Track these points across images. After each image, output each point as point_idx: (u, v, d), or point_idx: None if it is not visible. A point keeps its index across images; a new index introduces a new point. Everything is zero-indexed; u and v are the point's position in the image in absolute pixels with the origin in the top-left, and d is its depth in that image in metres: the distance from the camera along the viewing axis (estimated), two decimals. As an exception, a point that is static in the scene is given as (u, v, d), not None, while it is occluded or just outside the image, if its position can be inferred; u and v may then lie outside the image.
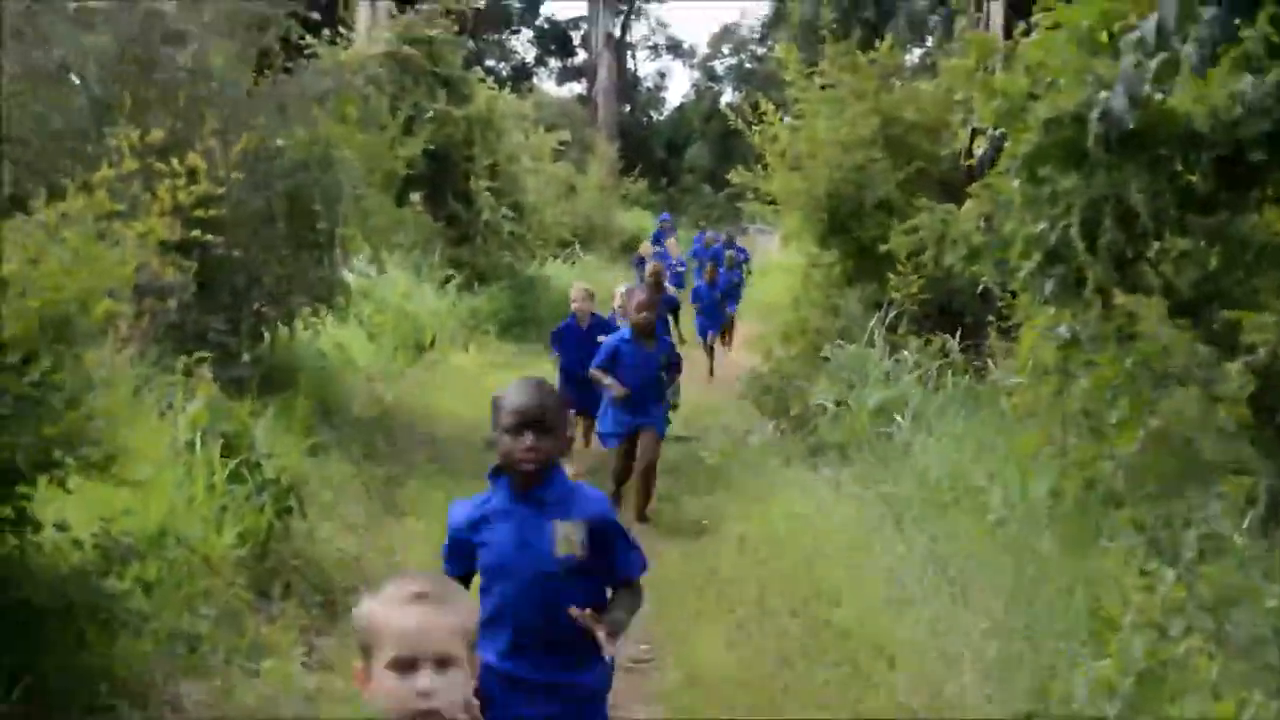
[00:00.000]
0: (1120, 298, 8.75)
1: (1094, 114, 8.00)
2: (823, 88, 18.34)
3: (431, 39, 30.55)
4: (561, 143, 38.45)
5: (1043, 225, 8.91)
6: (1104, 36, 9.03)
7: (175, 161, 10.42)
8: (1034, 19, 9.81)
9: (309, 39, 18.20)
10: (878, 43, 18.45)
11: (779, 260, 32.35)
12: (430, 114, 29.31)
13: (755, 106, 19.65)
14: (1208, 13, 6.55)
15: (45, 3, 14.30)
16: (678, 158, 71.50)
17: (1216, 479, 7.77)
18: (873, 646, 9.43)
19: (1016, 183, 9.14)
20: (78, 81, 14.37)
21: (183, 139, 12.68)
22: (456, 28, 31.46)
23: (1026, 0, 10.17)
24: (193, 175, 10.74)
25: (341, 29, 26.93)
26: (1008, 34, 11.16)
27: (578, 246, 39.92)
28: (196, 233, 10.70)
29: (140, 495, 8.73)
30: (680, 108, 78.19)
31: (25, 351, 7.19)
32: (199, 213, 10.38)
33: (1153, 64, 7.25)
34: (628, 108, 73.75)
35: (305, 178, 15.56)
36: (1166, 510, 7.98)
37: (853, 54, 18.26)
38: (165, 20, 14.78)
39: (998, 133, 10.05)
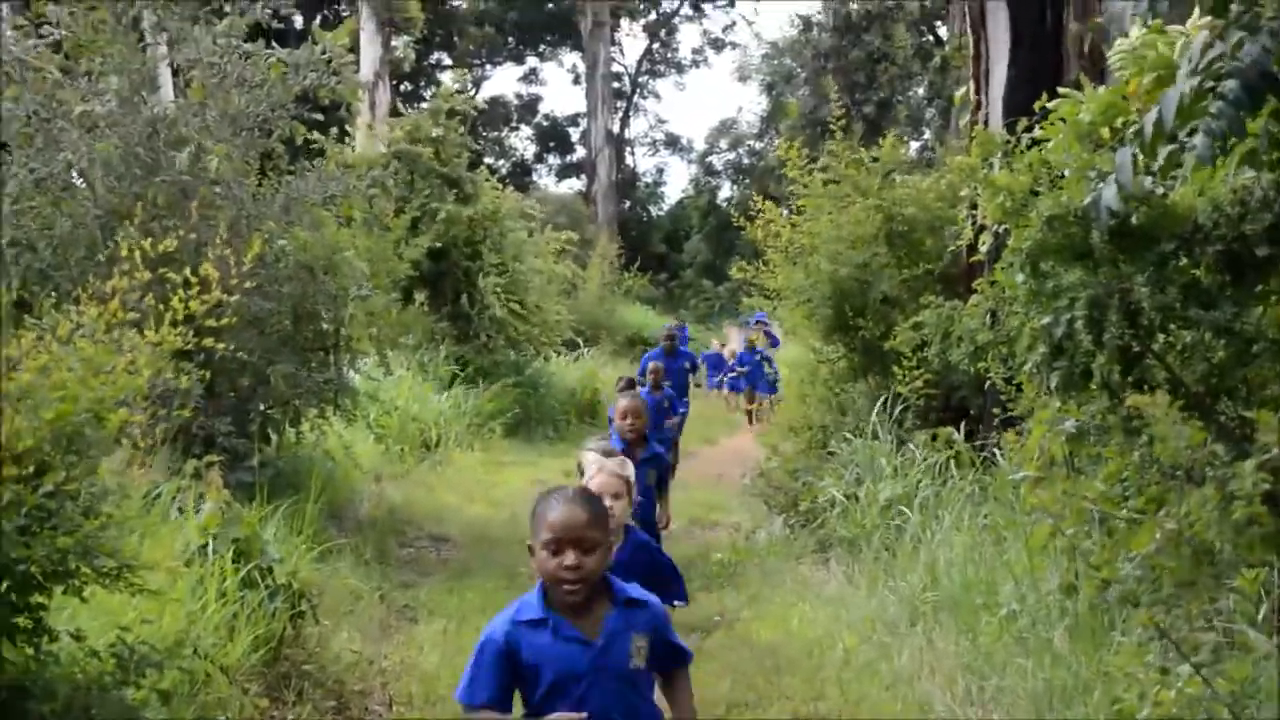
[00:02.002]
0: (1128, 393, 8.77)
1: (1087, 203, 8.07)
2: (825, 184, 18.43)
3: (438, 138, 30.75)
4: (566, 241, 38.62)
5: (1047, 319, 8.94)
6: (1106, 132, 9.12)
7: (187, 271, 10.49)
8: (1036, 113, 9.91)
9: (315, 135, 18.28)
10: (879, 138, 18.56)
11: (781, 354, 32.46)
12: (442, 214, 29.49)
13: (754, 203, 19.77)
14: (1214, 106, 6.61)
15: (51, 109, 14.41)
16: (677, 252, 71.66)
17: (1231, 575, 7.77)
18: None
19: (1020, 278, 9.18)
20: (84, 187, 14.48)
21: (193, 246, 12.76)
22: (461, 127, 31.70)
23: (1025, 97, 10.26)
24: (205, 284, 10.81)
25: (344, 129, 27.09)
26: (1010, 129, 11.23)
27: (581, 343, 39.98)
28: (208, 340, 10.76)
29: (155, 603, 8.74)
30: (679, 203, 78.44)
31: (38, 463, 7.21)
32: (210, 322, 10.43)
33: (1160, 157, 7.33)
34: (627, 203, 74.02)
35: (310, 281, 15.64)
36: (1182, 609, 7.97)
37: (857, 151, 18.36)
38: (169, 124, 14.90)
39: (1001, 228, 10.11)
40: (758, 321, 34.05)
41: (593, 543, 5.58)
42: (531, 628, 5.65)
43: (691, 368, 27.58)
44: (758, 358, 33.46)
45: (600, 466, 8.42)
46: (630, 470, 8.54)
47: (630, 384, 20.25)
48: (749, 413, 34.29)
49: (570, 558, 5.52)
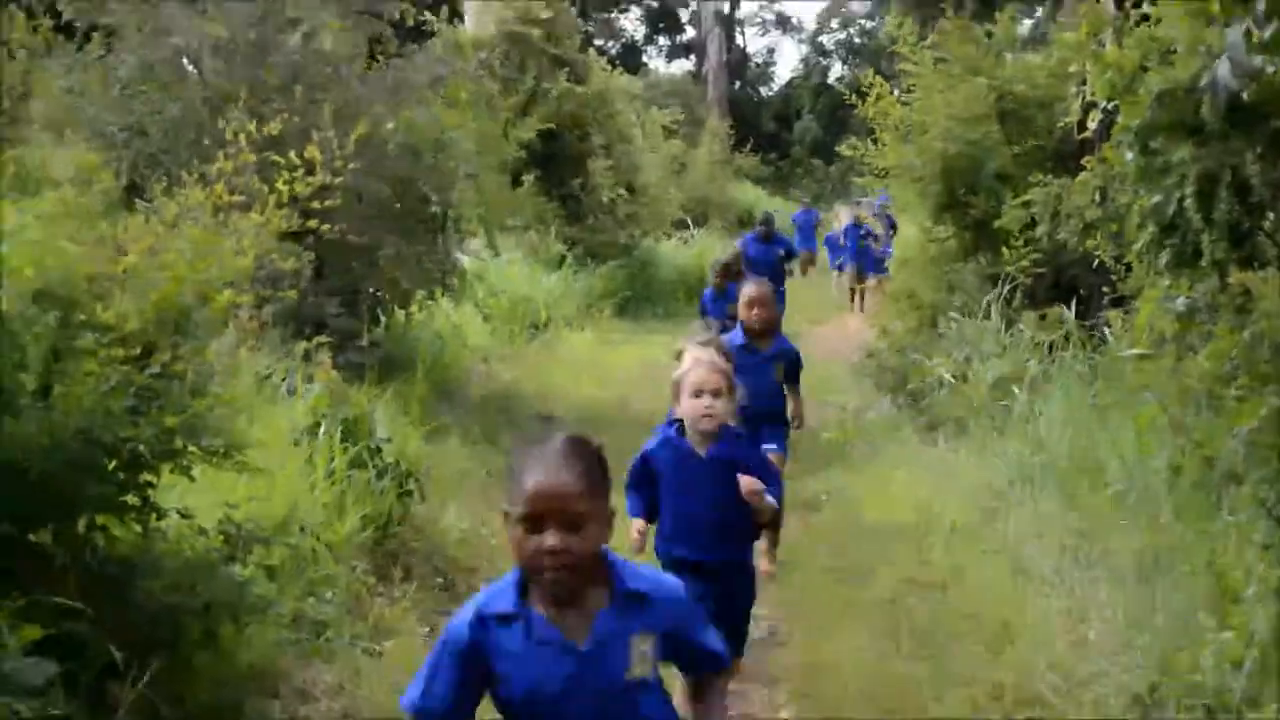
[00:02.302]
0: (1236, 272, 8.67)
1: (1203, 82, 7.95)
2: (937, 62, 18.23)
3: (548, 19, 30.66)
4: (674, 120, 38.44)
5: (1157, 197, 8.84)
6: (1216, 7, 8.95)
7: (292, 154, 10.53)
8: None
9: (425, 17, 18.29)
10: (991, 14, 18.31)
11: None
12: (554, 92, 29.43)
13: (866, 81, 19.59)
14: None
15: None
16: (788, 132, 71.28)
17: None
18: (1000, 623, 9.38)
19: (1130, 155, 9.07)
20: (194, 71, 14.53)
21: (299, 129, 12.80)
22: (571, 8, 31.59)
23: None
24: (310, 167, 10.86)
25: (452, 11, 27.05)
26: (1119, 5, 11.05)
27: (691, 224, 39.90)
28: (313, 222, 10.82)
29: (263, 482, 8.84)
30: (790, 83, 77.94)
31: (146, 343, 7.29)
32: (315, 204, 10.48)
33: (1267, 33, 7.20)
34: (737, 84, 73.59)
35: (417, 163, 15.65)
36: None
37: (970, 28, 18.14)
38: (280, 6, 14.91)
39: (1111, 105, 9.97)
40: (881, 204, 33.09)
41: (581, 517, 4.20)
42: (501, 624, 4.33)
43: (787, 255, 25.67)
44: (862, 235, 32.21)
45: (696, 359, 7.74)
46: (725, 364, 7.76)
47: (726, 270, 18.76)
48: (852, 291, 33.33)
49: (551, 538, 4.15)
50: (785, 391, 11.50)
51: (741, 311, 11.54)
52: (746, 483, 7.31)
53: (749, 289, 11.64)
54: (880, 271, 30.22)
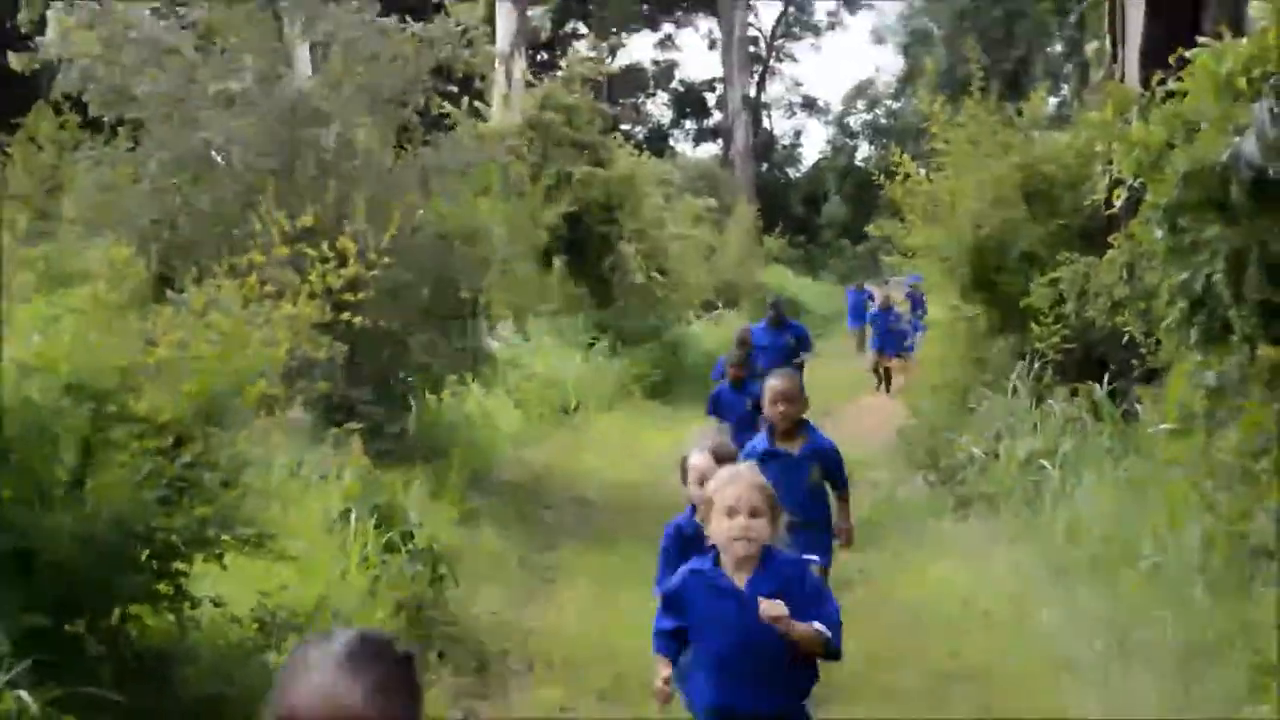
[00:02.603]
0: (1265, 347, 8.67)
1: (1226, 157, 7.97)
2: (969, 141, 18.29)
3: (571, 106, 30.83)
4: (707, 208, 38.60)
5: (1186, 274, 8.85)
6: (1244, 83, 8.98)
7: (325, 246, 10.61)
8: (1172, 65, 9.77)
9: (448, 108, 18.45)
10: (1016, 96, 18.40)
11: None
12: (577, 176, 29.57)
13: (893, 160, 19.67)
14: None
15: (188, 88, 14.60)
16: (815, 213, 71.47)
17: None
18: (1038, 709, 9.33)
19: (1159, 233, 9.09)
20: (223, 163, 14.65)
21: (332, 220, 12.90)
22: (592, 93, 31.77)
23: (1162, 49, 10.13)
24: (342, 259, 10.94)
25: (478, 100, 27.22)
26: (1145, 84, 11.08)
27: (721, 305, 39.95)
28: (346, 314, 10.89)
29: (296, 570, 8.85)
30: (817, 164, 78.21)
31: (179, 434, 7.33)
32: (348, 295, 10.55)
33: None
34: (765, 166, 73.84)
35: (448, 251, 15.75)
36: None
37: (998, 109, 18.23)
38: (307, 100, 15.04)
39: (1137, 183, 9.99)
40: (911, 284, 32.94)
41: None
42: None
43: (799, 343, 22.42)
44: (892, 318, 32.29)
45: (729, 477, 6.28)
46: (761, 477, 6.29)
47: (741, 361, 17.03)
48: (876, 373, 33.11)
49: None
50: (827, 495, 9.95)
51: (766, 409, 10.09)
52: (766, 607, 5.83)
53: (774, 382, 10.16)
54: (905, 351, 30.66)
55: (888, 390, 31.20)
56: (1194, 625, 9.09)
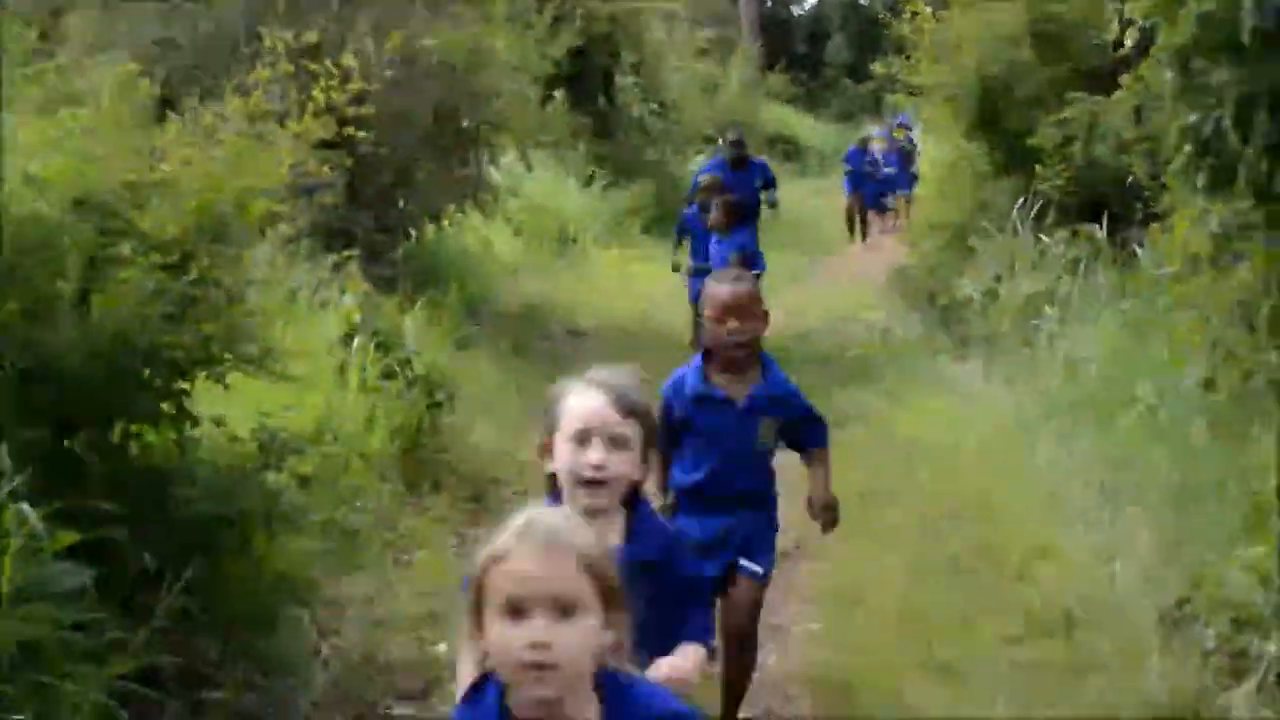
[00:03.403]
0: (1276, 188, 8.64)
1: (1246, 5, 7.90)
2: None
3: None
4: (706, 40, 38.25)
5: (1195, 117, 8.79)
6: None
7: (328, 63, 10.54)
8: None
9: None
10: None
11: (923, 152, 32.06)
12: (579, 10, 29.29)
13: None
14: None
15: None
16: (820, 51, 70.88)
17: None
18: (1029, 551, 9.41)
19: (1169, 75, 9.01)
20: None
21: (335, 39, 12.80)
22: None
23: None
24: (346, 75, 10.87)
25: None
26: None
27: (721, 141, 39.79)
28: (349, 130, 10.83)
29: (296, 392, 8.87)
30: (821, 1, 77.48)
31: (184, 252, 7.32)
32: (351, 111, 10.48)
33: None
34: (769, 2, 73.16)
35: (452, 78, 15.64)
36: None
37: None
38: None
39: (1149, 24, 9.90)
40: (899, 124, 31.46)
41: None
42: None
43: (766, 186, 19.43)
44: (869, 161, 31.08)
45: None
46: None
47: (720, 191, 16.09)
48: (850, 221, 31.26)
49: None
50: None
51: (708, 326, 6.90)
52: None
53: (719, 288, 6.88)
54: (883, 202, 30.63)
55: (864, 239, 30.67)
56: (1190, 466, 9.14)
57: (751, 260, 15.01)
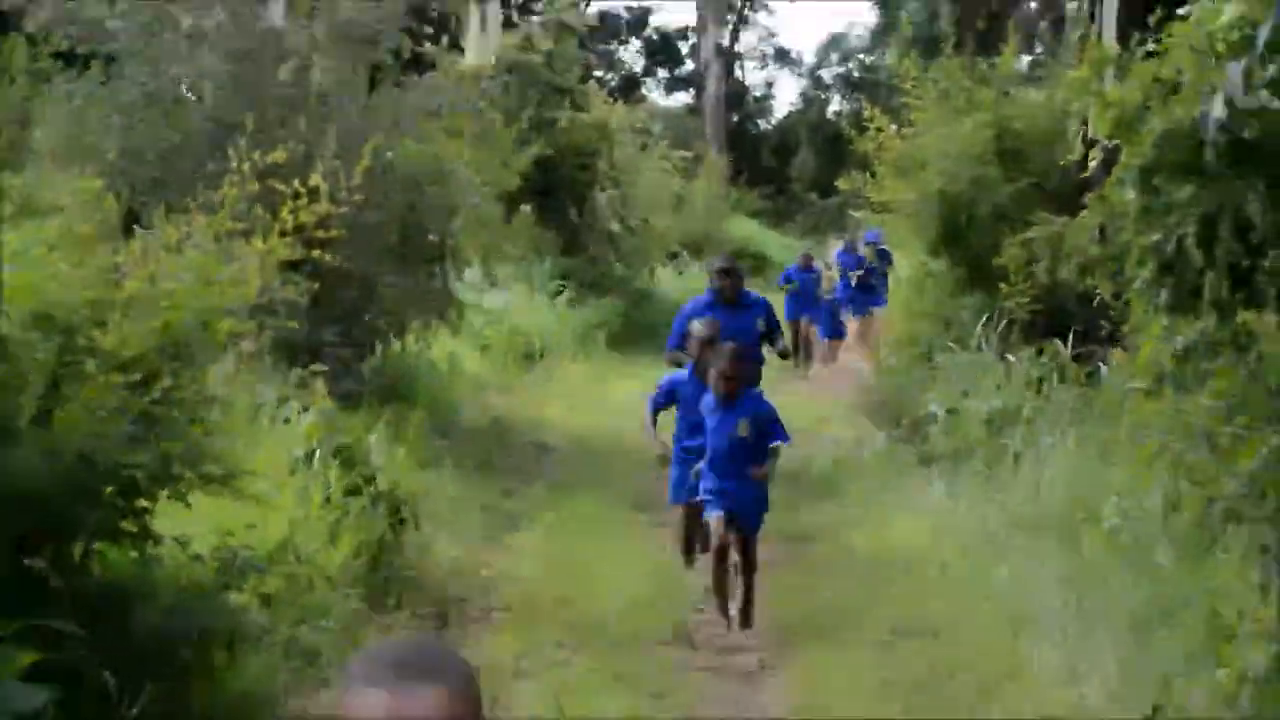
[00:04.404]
0: (1238, 311, 8.68)
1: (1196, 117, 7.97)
2: (939, 98, 18.26)
3: (550, 51, 30.68)
4: (681, 157, 38.46)
5: (1157, 236, 8.83)
6: (1221, 46, 8.95)
7: (296, 182, 10.56)
8: (1152, 25, 9.73)
9: (426, 46, 18.42)
10: (990, 53, 18.36)
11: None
12: (562, 121, 29.45)
13: (865, 115, 19.65)
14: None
15: (159, 24, 14.52)
16: (786, 166, 71.30)
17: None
18: (994, 672, 9.38)
19: (1131, 194, 9.06)
20: (195, 99, 14.57)
21: (302, 157, 12.84)
22: (574, 38, 31.63)
23: (1142, 7, 10.08)
24: (314, 195, 10.88)
25: (452, 43, 27.12)
26: (1123, 43, 11.04)
27: (687, 255, 39.88)
28: (316, 252, 10.84)
29: (259, 510, 8.83)
30: (788, 116, 77.95)
31: (146, 370, 7.29)
32: (319, 233, 10.49)
33: (1269, 72, 7.20)
34: (736, 117, 73.62)
35: (418, 193, 15.69)
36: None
37: (971, 66, 18.19)
38: (278, 38, 14.96)
39: (1112, 144, 9.97)
40: (868, 243, 27.98)
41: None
42: None
43: (769, 329, 13.94)
44: (812, 277, 28.01)
45: None
46: None
47: (697, 366, 11.91)
48: (797, 345, 26.12)
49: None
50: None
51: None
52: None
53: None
54: (832, 330, 28.17)
55: (807, 363, 27.74)
56: (1154, 587, 9.15)
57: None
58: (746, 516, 10.92)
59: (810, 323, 28.17)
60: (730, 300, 13.37)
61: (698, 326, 12.15)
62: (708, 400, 11.13)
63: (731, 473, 10.85)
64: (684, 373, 12.23)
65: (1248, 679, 7.03)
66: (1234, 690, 7.07)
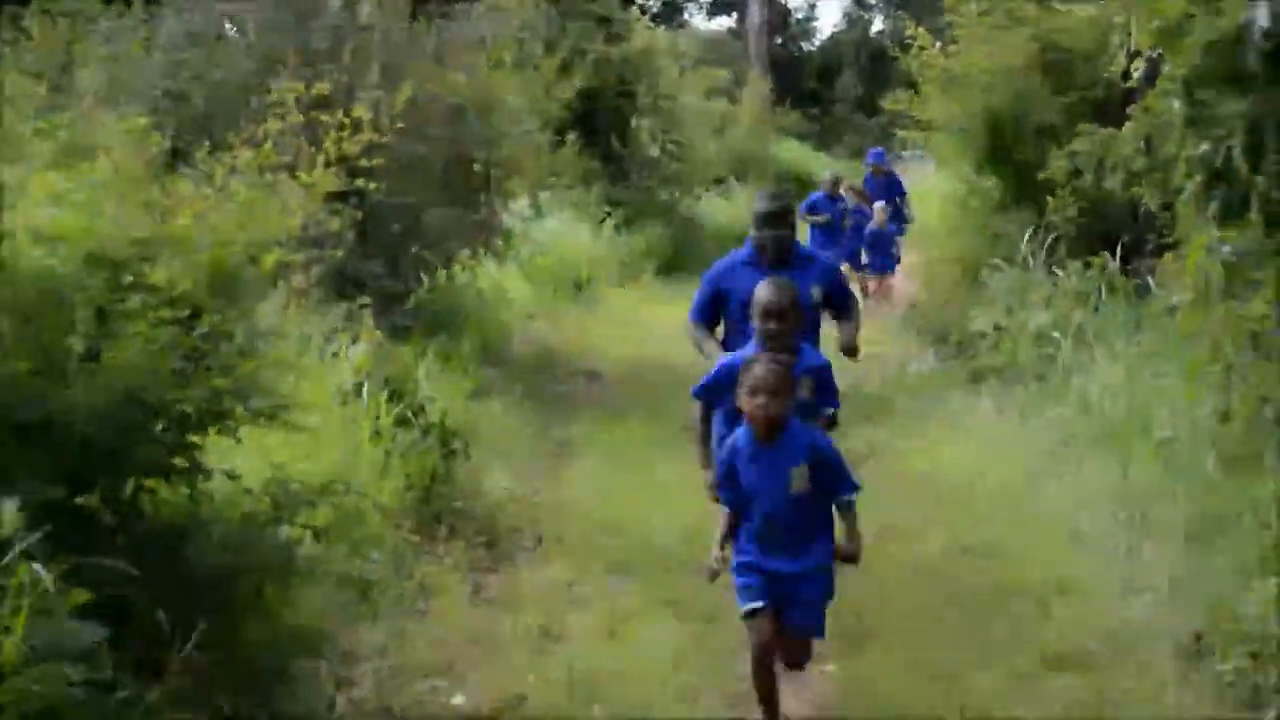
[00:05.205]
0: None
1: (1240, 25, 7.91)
2: (981, 13, 18.13)
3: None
4: (718, 79, 38.28)
5: (1205, 146, 8.77)
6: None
7: (340, 113, 10.57)
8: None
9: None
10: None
11: (934, 186, 31.91)
12: (591, 55, 29.34)
13: (908, 33, 19.55)
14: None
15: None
16: (830, 87, 70.95)
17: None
18: (1047, 587, 9.39)
19: (1176, 104, 9.00)
20: (237, 35, 14.58)
21: (345, 90, 12.84)
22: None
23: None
24: (357, 126, 10.89)
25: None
26: (1165, -48, 10.93)
27: (733, 181, 39.74)
28: (360, 181, 10.85)
29: (309, 443, 8.86)
30: (832, 37, 77.52)
31: (195, 305, 7.32)
32: (363, 162, 10.49)
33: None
34: (779, 40, 73.24)
35: (462, 124, 15.68)
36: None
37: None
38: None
39: (1156, 54, 9.89)
40: (871, 162, 26.12)
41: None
42: None
43: (831, 298, 9.76)
44: (843, 208, 24.50)
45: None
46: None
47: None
48: None
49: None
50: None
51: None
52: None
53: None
54: (881, 264, 24.61)
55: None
56: (1206, 499, 9.14)
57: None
58: (806, 610, 7.49)
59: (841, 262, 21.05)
60: (778, 261, 9.27)
61: (761, 290, 7.96)
62: (741, 440, 7.29)
63: (785, 545, 7.28)
64: (743, 354, 7.82)
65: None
66: (1287, 599, 7.08)
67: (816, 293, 9.41)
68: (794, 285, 8.10)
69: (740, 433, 7.26)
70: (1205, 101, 8.79)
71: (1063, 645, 8.44)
